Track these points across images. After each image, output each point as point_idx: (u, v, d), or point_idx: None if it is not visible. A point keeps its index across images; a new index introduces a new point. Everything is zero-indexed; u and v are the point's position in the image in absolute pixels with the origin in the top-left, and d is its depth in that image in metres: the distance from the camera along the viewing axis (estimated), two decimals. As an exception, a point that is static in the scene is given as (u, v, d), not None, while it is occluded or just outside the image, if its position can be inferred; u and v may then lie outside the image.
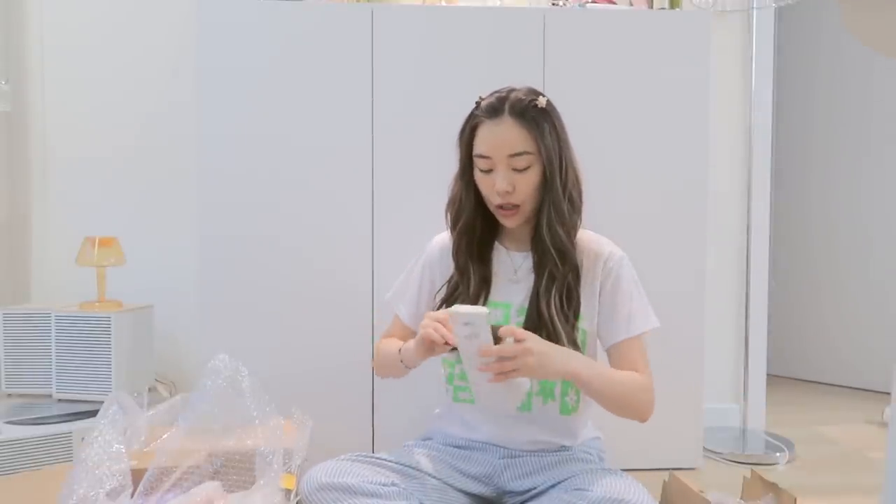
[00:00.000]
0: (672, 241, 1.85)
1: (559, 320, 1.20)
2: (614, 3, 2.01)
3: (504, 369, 1.06)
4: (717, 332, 2.22)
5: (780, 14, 2.54)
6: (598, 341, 1.32)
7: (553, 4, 1.98)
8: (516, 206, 1.23)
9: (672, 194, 1.85)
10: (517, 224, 1.26)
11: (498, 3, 2.05)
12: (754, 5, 2.13)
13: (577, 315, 1.24)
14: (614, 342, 1.28)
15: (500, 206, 1.23)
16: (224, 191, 1.76)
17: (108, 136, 2.22)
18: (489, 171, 1.22)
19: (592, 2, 1.96)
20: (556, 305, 1.21)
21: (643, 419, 1.23)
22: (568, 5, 1.96)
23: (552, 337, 1.19)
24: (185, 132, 2.16)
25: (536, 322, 1.21)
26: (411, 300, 1.38)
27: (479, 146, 1.23)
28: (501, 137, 1.20)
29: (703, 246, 1.86)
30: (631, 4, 2.09)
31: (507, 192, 1.20)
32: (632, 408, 1.22)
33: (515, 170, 1.21)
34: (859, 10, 0.91)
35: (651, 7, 2.09)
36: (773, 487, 1.23)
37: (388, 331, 1.42)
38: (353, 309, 1.78)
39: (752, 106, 2.21)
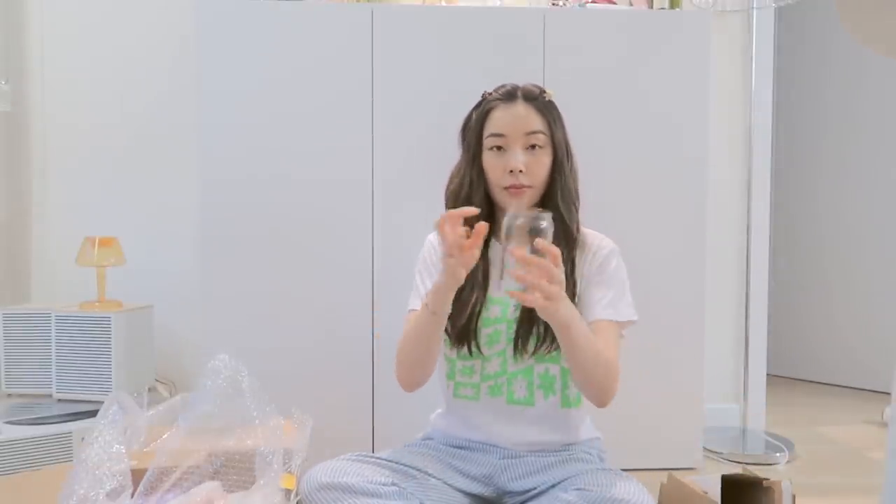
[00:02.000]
0: (672, 240, 1.85)
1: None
2: (614, 2, 2.01)
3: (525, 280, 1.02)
4: (717, 332, 2.22)
5: (780, 14, 2.54)
6: None
7: (553, 4, 1.98)
8: (526, 188, 1.24)
9: (672, 194, 1.85)
10: (524, 206, 1.26)
11: (498, 3, 2.05)
12: (754, 5, 2.13)
13: (572, 296, 1.24)
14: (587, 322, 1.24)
15: (509, 187, 1.23)
16: (224, 191, 1.76)
17: (108, 137, 2.23)
18: (501, 152, 1.24)
19: (592, 2, 1.96)
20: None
21: (604, 400, 1.20)
22: (568, 5, 1.96)
23: (549, 328, 1.20)
24: (186, 132, 2.16)
25: (532, 311, 1.21)
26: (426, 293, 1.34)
27: (494, 126, 1.25)
28: (518, 117, 1.24)
29: (703, 246, 1.86)
30: (631, 4, 2.09)
31: (520, 172, 1.21)
32: (598, 382, 1.17)
33: (529, 149, 1.23)
34: (856, 10, 0.91)
35: (651, 7, 2.09)
36: (758, 482, 1.22)
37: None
38: (354, 309, 1.78)
39: (752, 106, 2.21)
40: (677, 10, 2.08)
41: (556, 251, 1.02)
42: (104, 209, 2.22)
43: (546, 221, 1.04)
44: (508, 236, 1.06)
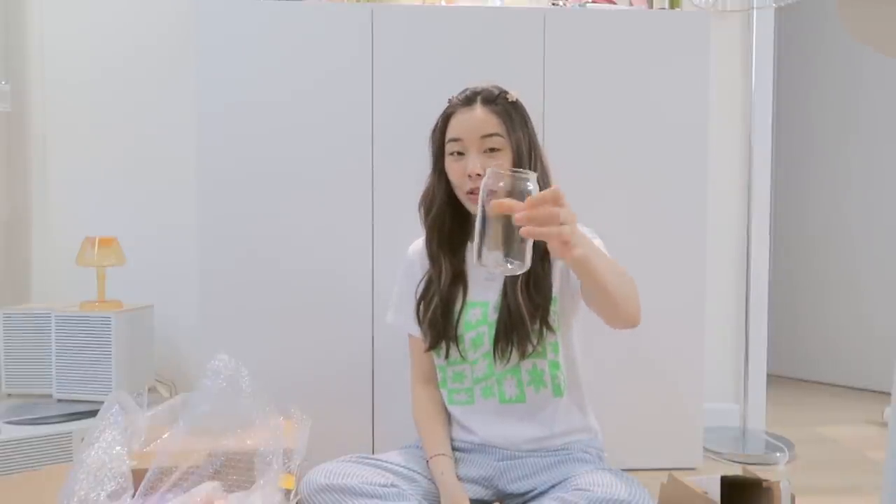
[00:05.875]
0: (672, 241, 1.85)
1: (527, 314, 1.21)
2: (614, 2, 2.01)
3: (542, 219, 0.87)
4: (717, 332, 2.22)
5: (780, 14, 2.54)
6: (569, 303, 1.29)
7: (553, 4, 1.98)
8: None
9: (672, 194, 1.85)
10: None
11: (498, 3, 2.05)
12: (754, 5, 2.13)
13: (548, 301, 1.24)
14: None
15: (471, 192, 1.23)
16: (224, 190, 1.76)
17: (109, 136, 2.23)
18: (461, 157, 1.25)
19: (592, 2, 1.96)
20: (525, 298, 1.21)
21: (636, 319, 1.12)
22: (568, 5, 1.96)
23: (522, 331, 1.21)
24: (185, 132, 2.16)
25: (507, 317, 1.23)
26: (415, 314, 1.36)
27: (452, 131, 1.27)
28: (474, 121, 1.24)
29: (703, 246, 1.86)
30: (631, 4, 2.09)
31: (479, 176, 1.21)
32: (629, 295, 1.09)
33: (487, 153, 1.23)
34: (856, 8, 0.91)
35: (651, 7, 2.09)
36: (757, 483, 1.23)
37: (413, 359, 1.39)
38: (353, 309, 1.78)
39: (752, 106, 2.21)
40: (677, 10, 2.09)
41: (556, 188, 0.89)
42: (104, 209, 2.22)
43: (532, 182, 0.92)
44: (488, 202, 0.91)
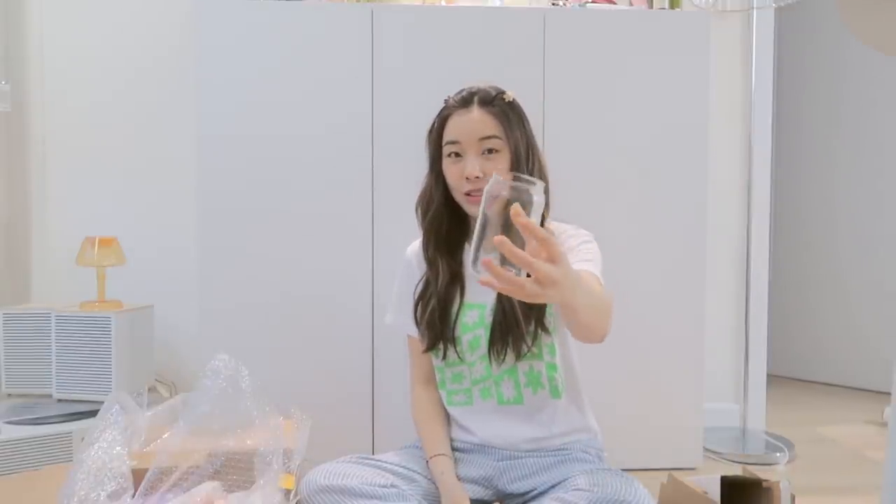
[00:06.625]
0: (672, 241, 1.85)
1: (522, 316, 1.21)
2: (614, 2, 2.01)
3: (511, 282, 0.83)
4: (717, 332, 2.22)
5: (780, 14, 2.54)
6: None
7: (553, 4, 1.98)
8: None
9: (672, 194, 1.85)
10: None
11: (498, 3, 2.05)
12: (754, 5, 2.13)
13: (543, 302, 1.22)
14: None
15: (468, 193, 1.23)
16: (224, 190, 1.76)
17: (108, 136, 2.23)
18: (458, 159, 1.24)
19: (592, 2, 1.96)
20: (520, 300, 1.15)
21: (604, 337, 1.07)
22: (568, 5, 1.96)
23: (516, 333, 1.21)
24: (186, 132, 2.16)
25: (502, 319, 1.23)
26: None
27: (450, 133, 1.26)
28: (471, 123, 1.23)
29: (703, 246, 1.87)
30: (631, 4, 2.09)
31: (477, 178, 1.20)
32: (600, 323, 1.05)
33: (485, 154, 1.23)
34: (857, 9, 0.91)
35: (651, 7, 2.09)
36: (757, 483, 1.23)
37: (413, 360, 1.39)
38: (353, 309, 1.78)
39: (752, 106, 2.22)
40: (677, 10, 2.09)
41: (545, 234, 0.82)
42: (104, 209, 2.22)
43: (538, 193, 0.86)
44: (489, 207, 0.88)
